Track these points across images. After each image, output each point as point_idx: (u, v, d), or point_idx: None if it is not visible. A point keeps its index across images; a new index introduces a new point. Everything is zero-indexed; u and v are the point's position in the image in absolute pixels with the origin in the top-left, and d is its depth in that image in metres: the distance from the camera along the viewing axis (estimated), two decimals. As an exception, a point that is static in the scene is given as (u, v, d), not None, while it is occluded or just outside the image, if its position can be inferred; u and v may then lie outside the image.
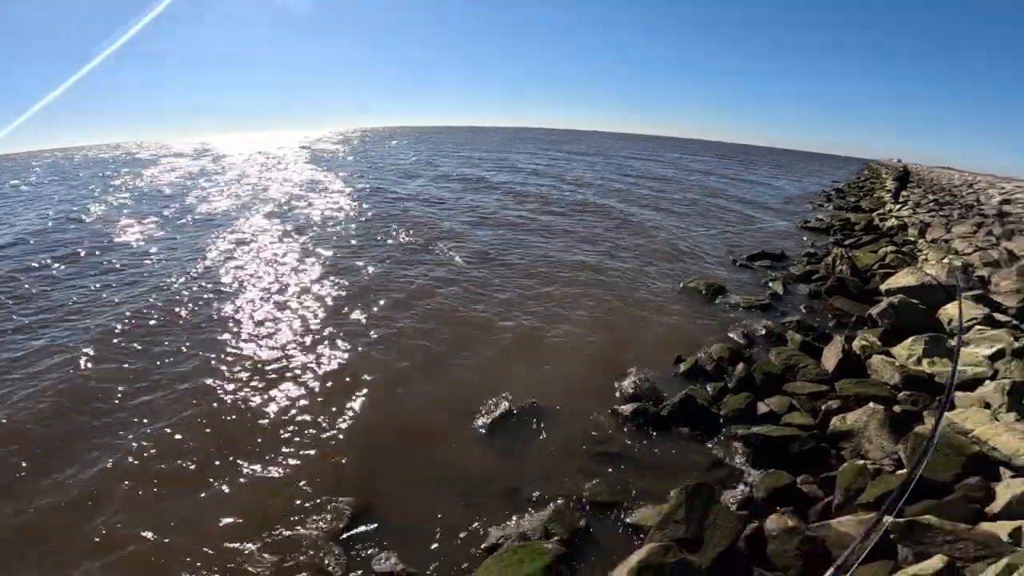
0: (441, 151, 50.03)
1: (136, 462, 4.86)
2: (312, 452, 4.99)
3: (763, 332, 7.58)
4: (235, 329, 7.80)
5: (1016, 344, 5.47)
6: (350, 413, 5.63)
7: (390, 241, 13.56)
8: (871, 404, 4.84)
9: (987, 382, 5.01)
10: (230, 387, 6.12)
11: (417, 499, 4.37)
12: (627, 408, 5.54)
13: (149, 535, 4.01)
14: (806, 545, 3.42)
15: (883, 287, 8.75)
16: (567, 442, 5.17)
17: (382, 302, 8.89)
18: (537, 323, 8.24)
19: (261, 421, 5.48)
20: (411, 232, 14.33)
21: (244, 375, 6.41)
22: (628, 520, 4.10)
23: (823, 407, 5.23)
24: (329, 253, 12.21)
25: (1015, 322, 6.55)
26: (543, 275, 10.79)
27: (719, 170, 46.71)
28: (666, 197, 24.61)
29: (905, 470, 4.03)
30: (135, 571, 3.73)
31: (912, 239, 14.05)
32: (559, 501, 4.30)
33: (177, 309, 8.57)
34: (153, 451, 5.01)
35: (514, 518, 4.13)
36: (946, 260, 9.45)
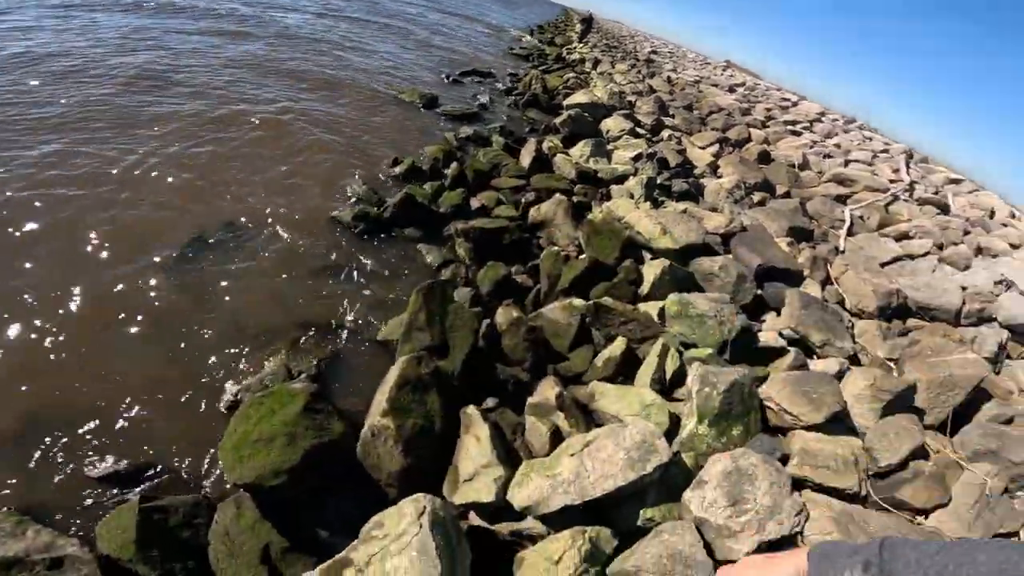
0: None
1: None
2: None
3: (472, 136, 7.64)
4: None
5: (649, 150, 6.71)
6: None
7: None
8: (557, 195, 5.37)
9: (631, 178, 6.07)
10: None
11: (117, 375, 3.13)
12: (347, 213, 4.95)
13: None
14: (530, 335, 3.56)
15: (565, 103, 9.67)
16: (284, 261, 4.26)
17: None
18: (239, 151, 6.18)
19: None
20: None
21: None
22: (377, 337, 3.69)
23: (523, 199, 5.62)
24: None
25: (649, 135, 8.07)
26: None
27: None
28: (388, 23, 21.41)
29: (585, 254, 4.59)
30: None
31: (587, 70, 15.76)
32: (294, 333, 3.58)
33: None
34: None
35: (245, 365, 3.30)
36: (608, 87, 10.88)
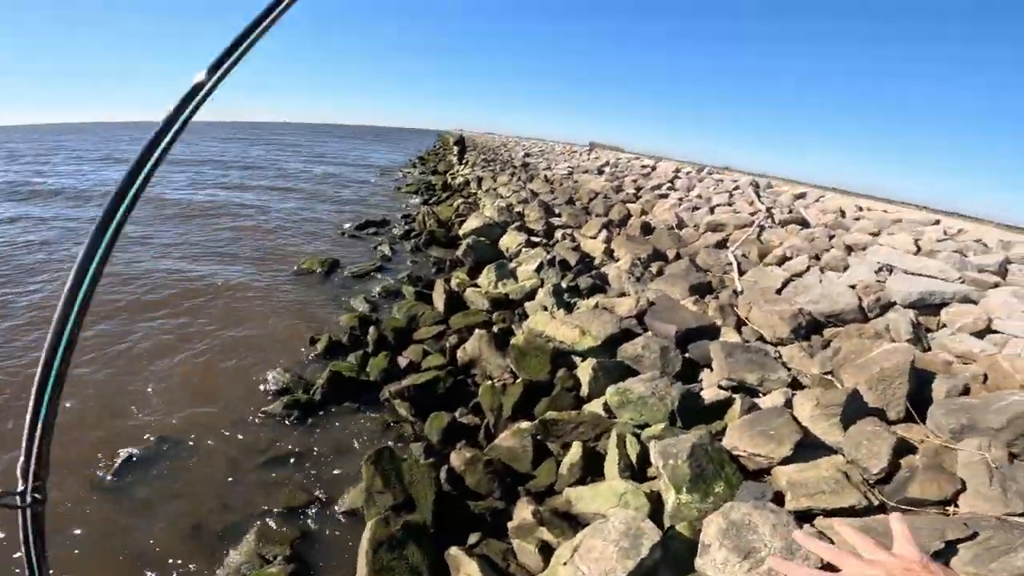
0: None
1: None
2: None
3: (383, 293, 7.78)
4: None
5: (548, 256, 7.14)
6: None
7: None
8: (477, 331, 5.50)
9: (539, 291, 6.37)
10: None
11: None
12: (277, 406, 4.84)
13: None
14: (489, 467, 3.67)
15: (461, 232, 10.19)
16: (227, 465, 4.17)
17: None
18: (144, 352, 6.19)
19: None
20: None
21: None
22: (340, 510, 3.69)
23: (447, 344, 5.69)
24: None
25: (544, 240, 8.63)
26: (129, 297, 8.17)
27: (313, 147, 45.73)
28: (265, 184, 22.35)
29: (519, 378, 4.69)
30: None
31: (474, 191, 16.94)
32: (257, 524, 3.51)
33: None
34: None
35: (216, 561, 3.27)
36: (496, 203, 11.71)
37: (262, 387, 5.28)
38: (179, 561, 3.27)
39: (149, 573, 3.19)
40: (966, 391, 3.76)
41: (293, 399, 4.89)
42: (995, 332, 4.73)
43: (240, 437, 4.52)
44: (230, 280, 8.76)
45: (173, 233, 12.13)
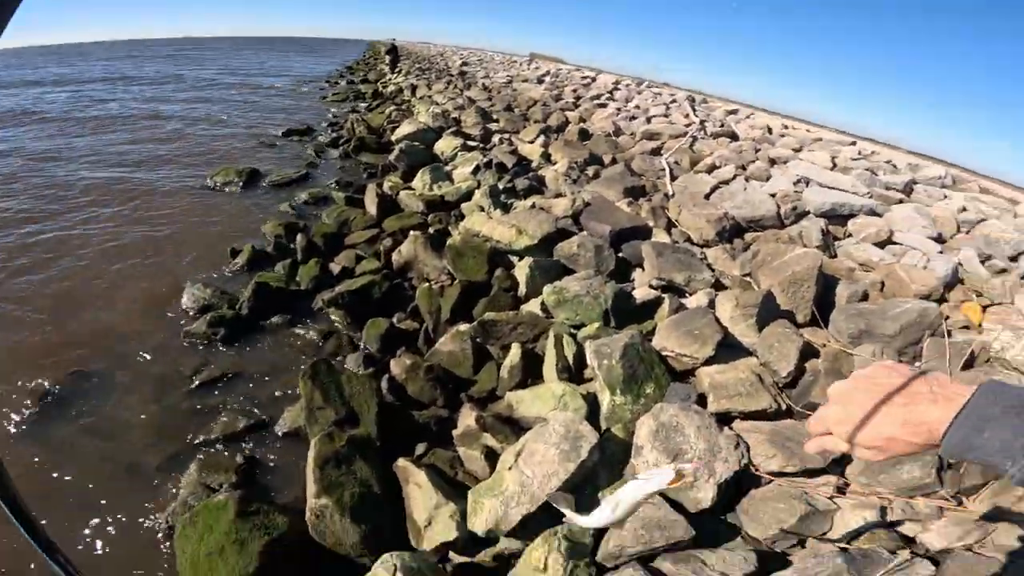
0: None
1: None
2: None
3: (310, 200, 7.29)
4: None
5: (484, 159, 6.88)
6: None
7: None
8: (412, 232, 5.29)
9: (476, 192, 6.16)
10: None
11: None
12: (200, 324, 4.45)
13: None
14: (430, 374, 3.57)
15: (393, 138, 9.57)
16: (154, 394, 3.83)
17: None
18: (37, 273, 5.48)
19: None
20: None
21: None
22: (282, 430, 3.52)
23: (381, 247, 5.46)
24: None
25: (481, 145, 8.29)
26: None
27: (225, 60, 40.47)
28: (170, 96, 19.66)
29: (457, 280, 4.58)
30: None
31: (408, 99, 15.80)
32: (197, 454, 3.33)
33: None
34: None
35: (161, 495, 3.10)
36: (431, 110, 11.01)
37: (181, 306, 4.85)
38: (118, 501, 3.03)
39: (86, 518, 2.94)
40: (865, 297, 3.92)
41: (217, 316, 4.52)
42: (895, 244, 5.06)
43: (164, 362, 4.16)
44: (133, 191, 7.84)
45: (73, 145, 10.53)
